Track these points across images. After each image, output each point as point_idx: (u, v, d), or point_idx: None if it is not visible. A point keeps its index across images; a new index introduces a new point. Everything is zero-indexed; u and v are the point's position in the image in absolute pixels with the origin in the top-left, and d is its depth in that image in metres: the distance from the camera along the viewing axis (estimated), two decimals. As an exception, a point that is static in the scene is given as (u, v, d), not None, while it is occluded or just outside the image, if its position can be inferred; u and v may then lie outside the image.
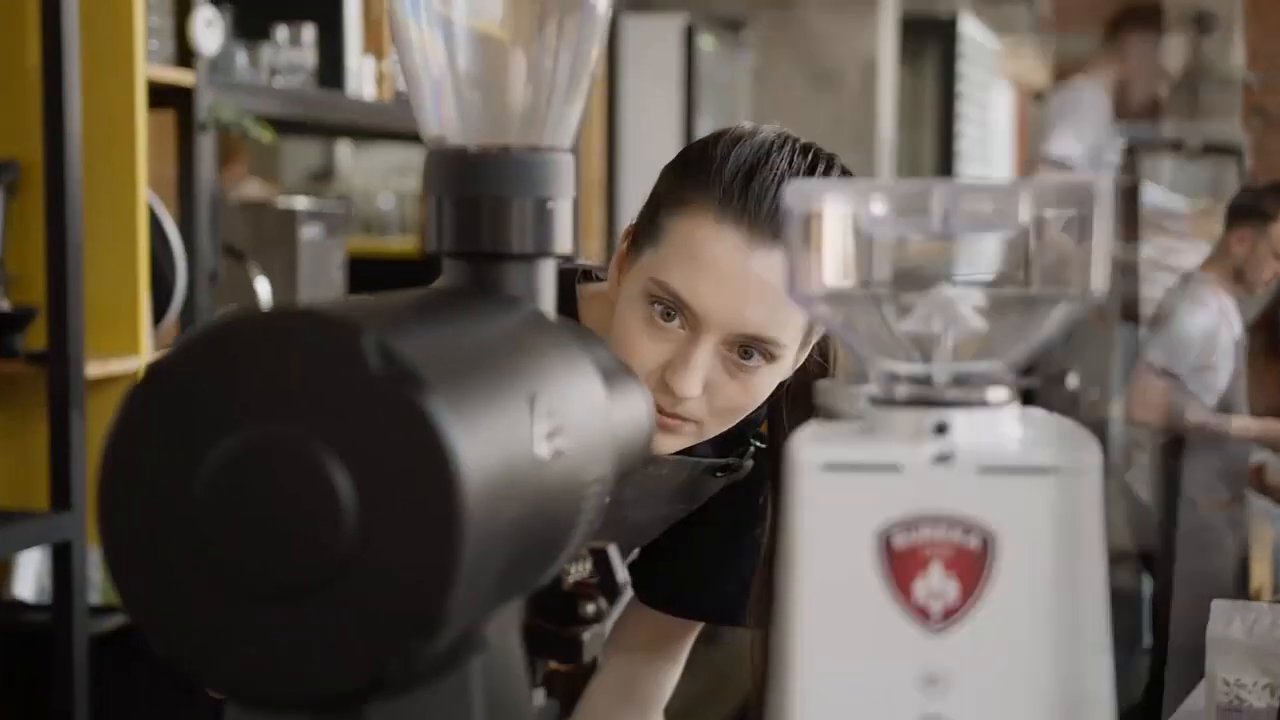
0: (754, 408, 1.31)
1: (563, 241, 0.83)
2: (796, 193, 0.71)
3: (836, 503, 0.69)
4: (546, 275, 0.83)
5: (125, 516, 0.63)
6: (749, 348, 1.26)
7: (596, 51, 0.85)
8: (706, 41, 5.01)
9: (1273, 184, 4.56)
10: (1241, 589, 4.01)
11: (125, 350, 2.50)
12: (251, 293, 2.90)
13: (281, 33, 3.03)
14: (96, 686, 2.40)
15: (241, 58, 2.95)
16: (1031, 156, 4.52)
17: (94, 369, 2.43)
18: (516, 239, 0.81)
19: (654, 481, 1.40)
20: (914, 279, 0.74)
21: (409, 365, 0.61)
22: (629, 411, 0.85)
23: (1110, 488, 5.08)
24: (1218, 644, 1.97)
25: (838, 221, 0.72)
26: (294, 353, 0.62)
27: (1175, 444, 4.29)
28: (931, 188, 0.70)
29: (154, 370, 0.64)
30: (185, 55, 2.66)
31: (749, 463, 1.43)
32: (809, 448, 0.69)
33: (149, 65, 2.56)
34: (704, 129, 6.31)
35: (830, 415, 0.77)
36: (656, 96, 4.76)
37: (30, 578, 2.58)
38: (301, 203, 3.19)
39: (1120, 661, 0.78)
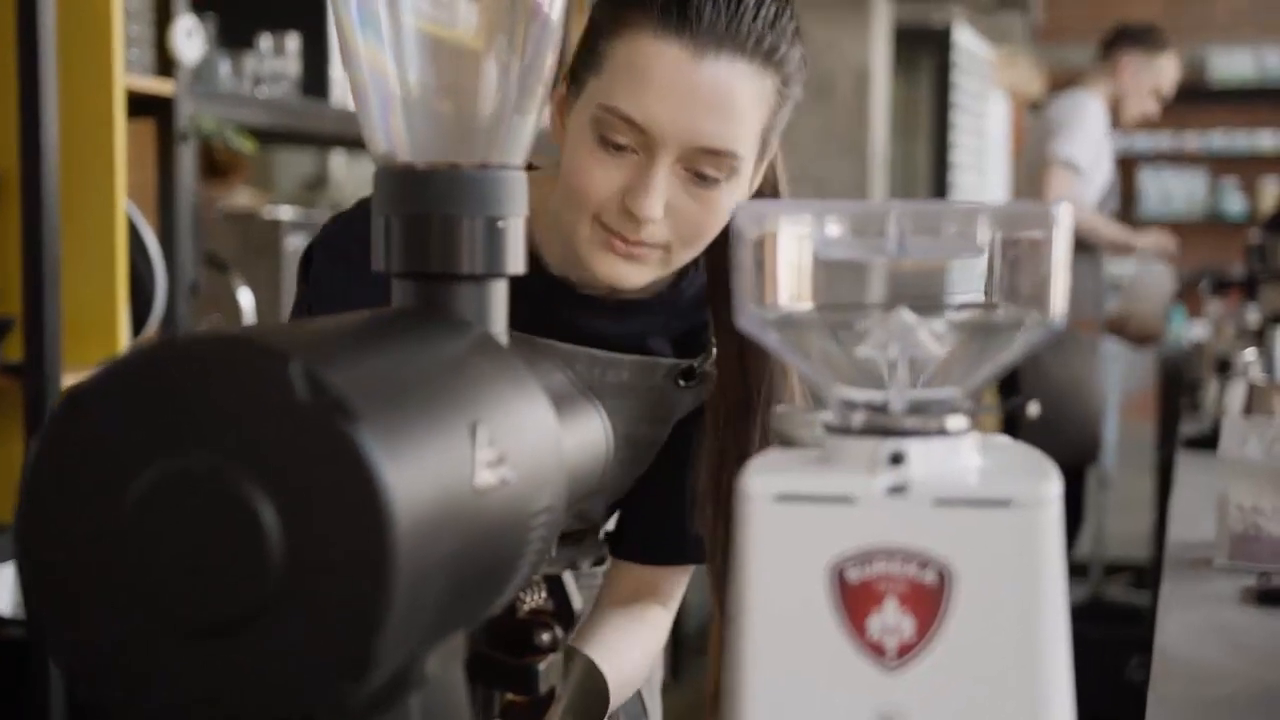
0: (718, 229, 1.27)
1: (515, 261, 0.81)
2: (747, 214, 0.69)
3: (788, 535, 0.67)
4: (498, 296, 0.80)
5: (45, 547, 0.61)
6: (704, 170, 1.23)
7: (551, 62, 0.83)
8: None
9: (1151, 25, 4.74)
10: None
11: (103, 361, 2.48)
12: (234, 304, 2.88)
13: (265, 42, 3.01)
14: (72, 700, 2.38)
15: (225, 66, 2.93)
16: (1030, 158, 4.52)
17: (71, 381, 2.40)
18: (466, 259, 0.79)
19: (617, 392, 1.37)
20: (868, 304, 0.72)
21: (338, 394, 0.58)
22: (582, 436, 0.83)
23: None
24: (1232, 465, 1.87)
25: (791, 243, 0.69)
26: (220, 380, 0.59)
27: None
28: (888, 210, 0.68)
29: (76, 396, 0.61)
30: (166, 65, 2.63)
31: (712, 371, 1.39)
32: (760, 478, 0.67)
33: (129, 75, 2.53)
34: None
35: (786, 442, 0.75)
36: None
37: (7, 591, 2.55)
38: (287, 213, 3.16)
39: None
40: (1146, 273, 4.60)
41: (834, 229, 0.69)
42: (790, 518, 0.67)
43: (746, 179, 1.27)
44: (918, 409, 0.69)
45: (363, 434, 0.58)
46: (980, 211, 0.68)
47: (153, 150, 2.64)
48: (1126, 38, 4.53)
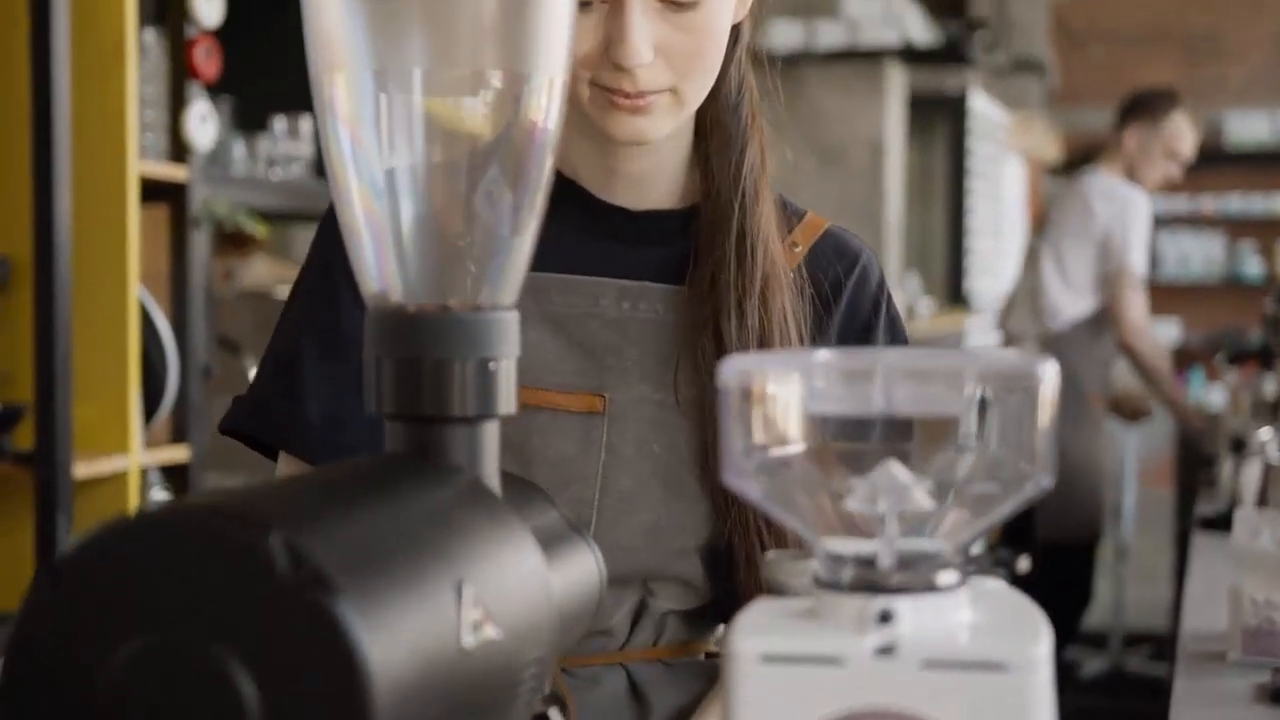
0: (718, 52, 1.19)
1: (507, 402, 0.80)
2: (731, 372, 0.68)
3: (776, 696, 0.66)
4: (489, 438, 0.80)
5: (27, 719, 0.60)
6: None
7: (540, 201, 0.83)
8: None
9: (1162, 89, 4.72)
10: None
11: (115, 449, 2.48)
12: (246, 385, 2.88)
13: (279, 124, 3.03)
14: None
15: (239, 148, 2.95)
16: (1102, 269, 4.46)
17: (82, 469, 2.40)
18: (458, 402, 0.78)
19: (652, 332, 1.24)
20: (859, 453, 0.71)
21: (319, 568, 0.58)
22: (573, 577, 0.82)
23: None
24: (1244, 557, 1.83)
25: (776, 397, 0.69)
26: (199, 553, 0.59)
27: (1072, 336, 4.42)
28: (875, 364, 0.68)
29: (56, 568, 0.61)
30: (180, 150, 2.65)
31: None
32: (748, 638, 0.67)
33: (143, 161, 2.55)
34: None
35: (777, 589, 0.74)
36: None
37: None
38: (300, 292, 3.17)
39: None
40: None
41: (821, 382, 0.69)
42: (778, 678, 0.66)
43: None
44: (907, 563, 0.69)
45: (344, 608, 0.58)
46: (968, 366, 0.67)
47: (166, 235, 2.66)
48: (1129, 109, 4.55)
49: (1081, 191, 4.56)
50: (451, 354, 0.78)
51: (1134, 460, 6.04)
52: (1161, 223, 10.16)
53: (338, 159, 0.80)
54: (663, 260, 1.27)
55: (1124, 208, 4.43)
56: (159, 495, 2.76)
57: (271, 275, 4.04)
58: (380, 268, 0.81)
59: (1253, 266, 10.04)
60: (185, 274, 2.63)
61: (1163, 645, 5.34)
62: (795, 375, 0.69)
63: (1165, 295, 10.26)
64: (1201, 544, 2.85)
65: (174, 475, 2.72)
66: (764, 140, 1.29)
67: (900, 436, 0.70)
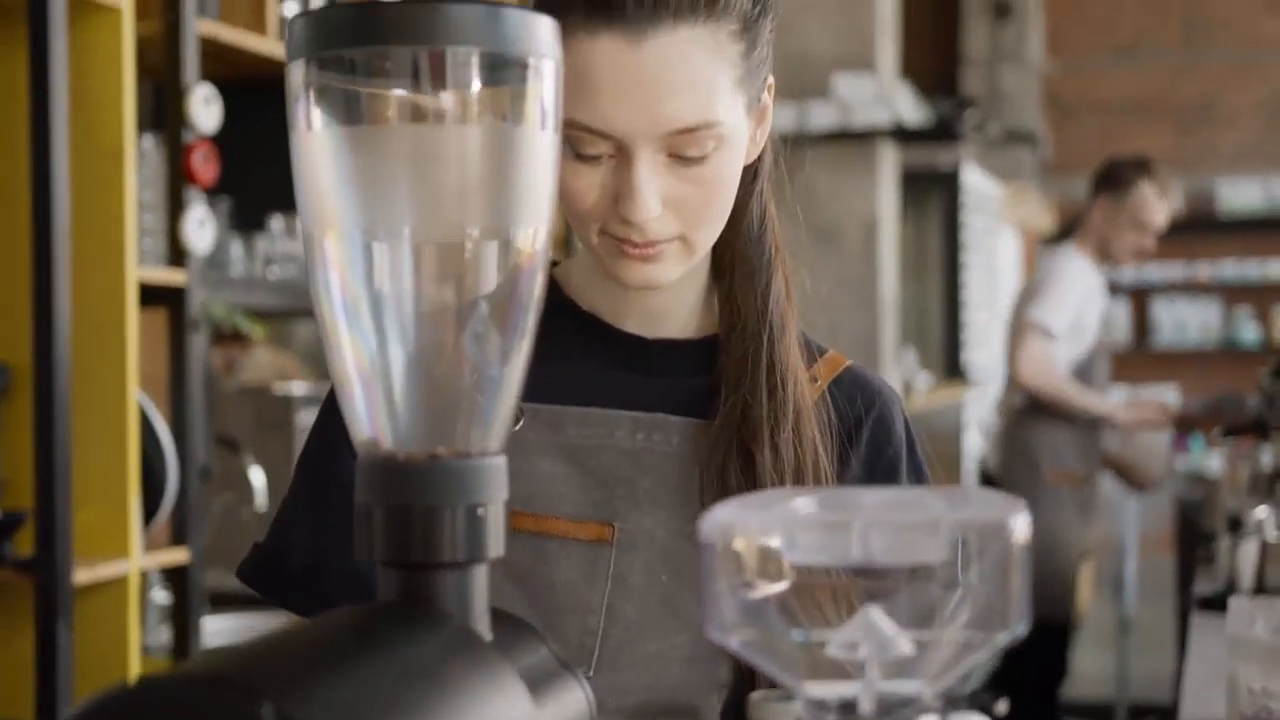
0: (727, 200, 1.19)
1: (495, 545, 0.82)
2: (713, 524, 0.70)
3: (760, 845, 0.68)
4: (479, 581, 0.82)
5: None
6: (686, 152, 1.15)
7: (526, 346, 0.85)
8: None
9: (1133, 157, 4.71)
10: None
11: (115, 554, 2.49)
12: (246, 483, 2.90)
13: (276, 223, 3.07)
14: None
15: (237, 248, 2.98)
16: (1015, 319, 4.56)
17: (83, 574, 2.41)
18: (447, 548, 0.80)
19: (667, 465, 1.23)
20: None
21: (310, 735, 0.60)
22: (564, 716, 0.84)
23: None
24: (1240, 646, 1.83)
25: (758, 548, 0.71)
26: (194, 722, 0.61)
27: (1030, 411, 4.41)
28: (852, 518, 0.70)
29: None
30: (178, 254, 2.68)
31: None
32: (731, 787, 0.68)
33: (142, 266, 2.58)
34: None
35: (763, 732, 0.76)
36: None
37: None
38: (300, 388, 3.20)
39: None
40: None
41: (800, 533, 0.71)
42: (762, 828, 0.68)
43: (740, 137, 1.19)
44: (888, 708, 0.70)
45: (334, 775, 0.59)
46: (943, 518, 0.69)
47: (165, 338, 2.68)
48: (1097, 180, 4.59)
49: (1044, 265, 4.62)
50: (441, 501, 0.80)
51: (1135, 531, 6.04)
52: (1157, 290, 10.20)
53: (328, 311, 0.83)
54: (680, 391, 1.27)
55: (1052, 266, 4.47)
56: (159, 598, 2.77)
57: (273, 367, 4.07)
58: (370, 416, 0.83)
59: (1249, 332, 10.07)
60: (184, 377, 2.65)
61: (1169, 716, 5.32)
62: (776, 527, 0.71)
63: (1162, 362, 10.29)
64: (1200, 625, 2.86)
65: (174, 576, 2.73)
66: (787, 270, 1.29)
67: (880, 583, 0.72)
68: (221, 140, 2.79)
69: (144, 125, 2.77)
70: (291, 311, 3.26)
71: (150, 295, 2.63)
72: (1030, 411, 4.45)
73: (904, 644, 0.70)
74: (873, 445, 1.30)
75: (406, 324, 0.82)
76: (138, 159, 2.60)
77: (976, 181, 7.74)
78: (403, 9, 0.79)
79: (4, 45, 2.47)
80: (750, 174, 1.26)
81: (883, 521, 0.70)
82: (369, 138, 0.81)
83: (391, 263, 0.81)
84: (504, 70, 0.80)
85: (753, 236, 1.28)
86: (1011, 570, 0.69)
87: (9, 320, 2.46)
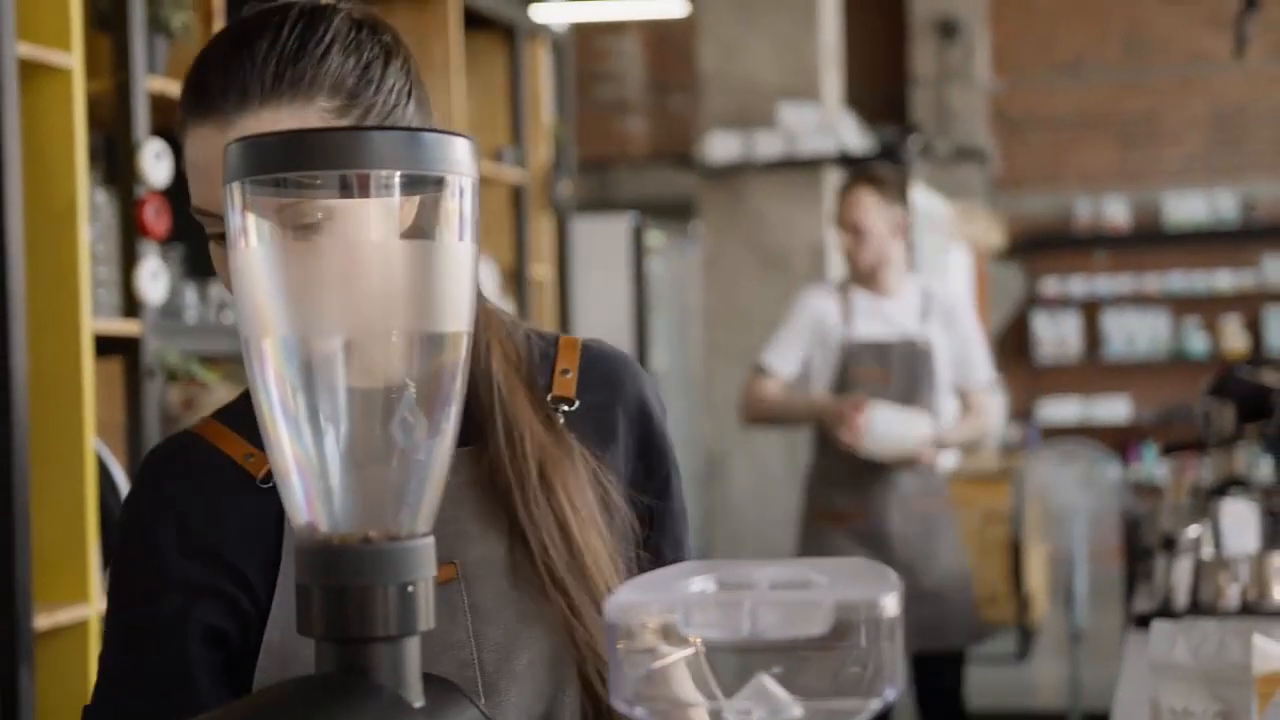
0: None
1: (425, 619, 0.90)
2: (617, 607, 0.78)
3: None
4: (411, 653, 0.89)
5: None
6: (300, 220, 1.11)
7: (450, 436, 0.92)
8: (655, 237, 5.14)
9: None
10: None
11: (74, 598, 2.55)
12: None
13: (229, 269, 3.13)
14: None
15: (191, 295, 3.04)
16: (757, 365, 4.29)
17: (43, 620, 2.47)
18: (381, 623, 0.88)
19: (470, 509, 1.27)
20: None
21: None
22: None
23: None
24: (1162, 669, 1.89)
25: (657, 626, 0.78)
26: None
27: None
28: (742, 598, 0.77)
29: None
30: (132, 304, 2.74)
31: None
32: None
33: (96, 317, 2.64)
34: (655, 321, 6.44)
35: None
36: (608, 292, 4.85)
37: None
38: (254, 427, 3.24)
39: None
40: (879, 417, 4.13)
41: (697, 613, 0.78)
42: None
43: (369, 208, 1.14)
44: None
45: None
46: (821, 600, 0.77)
47: (120, 388, 2.74)
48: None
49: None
50: (374, 581, 0.88)
51: (1084, 542, 6.14)
52: (1107, 302, 10.35)
53: (266, 407, 0.90)
54: None
55: (795, 305, 4.26)
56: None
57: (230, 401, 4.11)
58: (308, 502, 0.90)
59: (1198, 343, 10.23)
60: (140, 424, 2.71)
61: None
62: (675, 608, 0.78)
63: (1113, 373, 10.44)
64: (1134, 642, 2.93)
65: (134, 618, 2.79)
66: (500, 324, 1.31)
67: (771, 654, 0.80)
68: (172, 190, 2.85)
69: (96, 180, 2.83)
70: (245, 355, 3.32)
71: (105, 345, 2.69)
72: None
73: (794, 709, 0.78)
74: (638, 418, 1.35)
75: (339, 418, 0.89)
76: (90, 213, 2.66)
77: (925, 201, 7.85)
78: (331, 135, 0.87)
79: (-43, 105, 2.53)
80: None
81: (770, 600, 0.78)
82: (300, 252, 0.89)
83: (324, 363, 0.88)
84: (424, 188, 0.88)
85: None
86: (883, 641, 0.77)
87: (-33, 373, 2.52)
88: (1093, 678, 5.67)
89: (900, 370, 4.14)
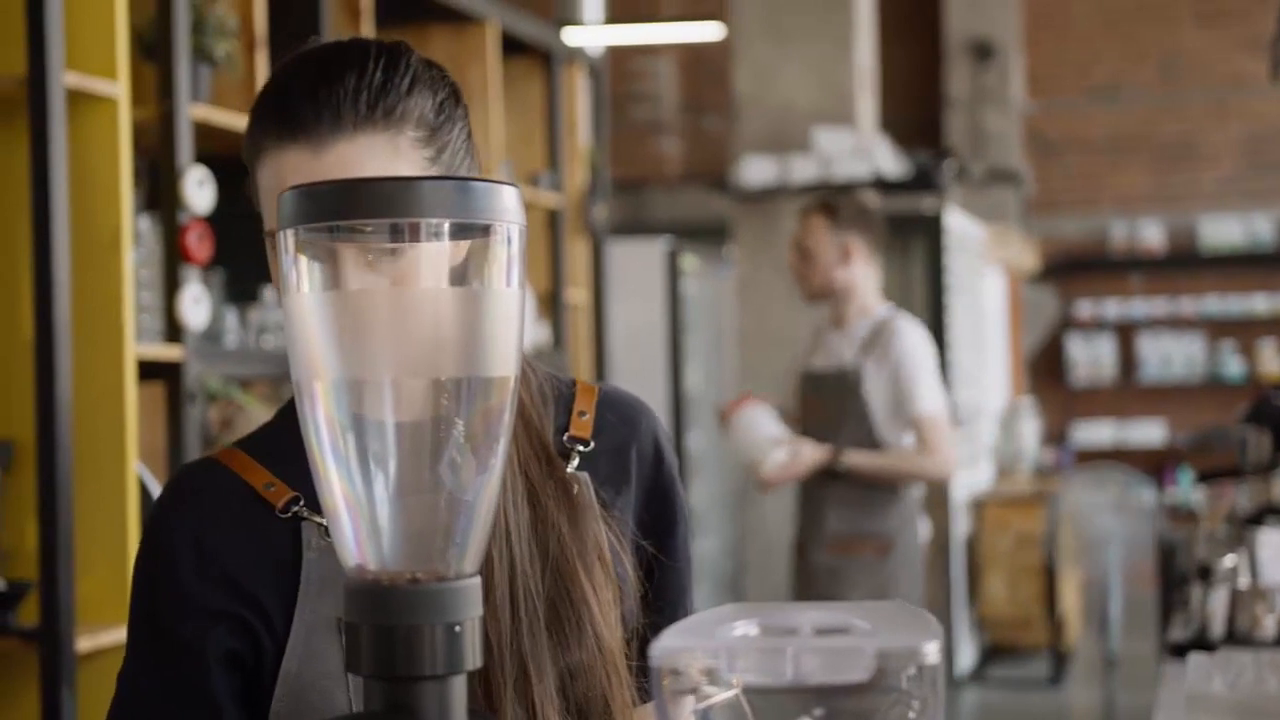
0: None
1: (472, 658, 0.91)
2: (662, 651, 0.79)
3: None
4: (458, 692, 0.91)
5: None
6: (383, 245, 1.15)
7: (497, 476, 0.94)
8: (690, 260, 5.15)
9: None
10: None
11: (117, 622, 2.58)
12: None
13: (269, 294, 3.16)
14: None
15: (232, 319, 3.07)
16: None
17: (85, 643, 2.50)
18: (428, 663, 0.89)
19: None
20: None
21: None
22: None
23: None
24: (1197, 701, 1.90)
25: (702, 671, 0.80)
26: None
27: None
28: (785, 645, 0.79)
29: None
30: (174, 329, 2.77)
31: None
32: None
33: (140, 343, 2.67)
34: (690, 344, 6.45)
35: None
36: (642, 315, 4.86)
37: None
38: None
39: None
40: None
41: (741, 660, 0.80)
42: None
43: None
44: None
45: None
46: (864, 646, 0.78)
47: (163, 412, 2.77)
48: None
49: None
50: (421, 620, 0.89)
51: (1119, 568, 6.12)
52: (1142, 325, 10.31)
53: (317, 449, 0.92)
54: None
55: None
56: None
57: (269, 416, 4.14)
58: (357, 544, 0.92)
59: (1234, 366, 10.18)
60: (181, 448, 2.74)
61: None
62: (718, 653, 0.80)
63: (1148, 397, 10.39)
64: (1170, 673, 2.92)
65: (173, 641, 2.82)
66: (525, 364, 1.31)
67: (814, 697, 0.81)
68: (215, 215, 2.89)
69: (140, 207, 2.86)
70: (286, 378, 3.35)
71: (148, 370, 2.72)
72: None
73: (834, 751, 0.79)
74: (651, 464, 1.37)
75: (388, 460, 0.91)
76: (135, 240, 2.69)
77: (959, 224, 7.84)
78: (383, 185, 0.89)
79: (6, 134, 2.57)
80: None
81: (813, 647, 0.79)
82: (351, 299, 0.91)
83: (374, 407, 0.90)
84: (473, 236, 0.90)
85: None
86: (925, 687, 0.78)
87: (13, 397, 2.55)
88: (1127, 704, 5.65)
89: (830, 400, 4.12)
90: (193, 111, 2.84)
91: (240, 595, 1.26)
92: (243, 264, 3.10)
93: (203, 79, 2.90)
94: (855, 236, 4.09)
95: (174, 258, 2.76)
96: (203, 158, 2.87)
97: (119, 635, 2.58)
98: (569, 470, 1.31)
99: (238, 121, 2.99)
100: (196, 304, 2.76)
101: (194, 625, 1.26)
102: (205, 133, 2.87)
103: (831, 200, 4.22)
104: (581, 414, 1.35)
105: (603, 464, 1.34)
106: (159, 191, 2.84)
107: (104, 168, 2.58)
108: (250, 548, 1.28)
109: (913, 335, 4.14)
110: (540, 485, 1.29)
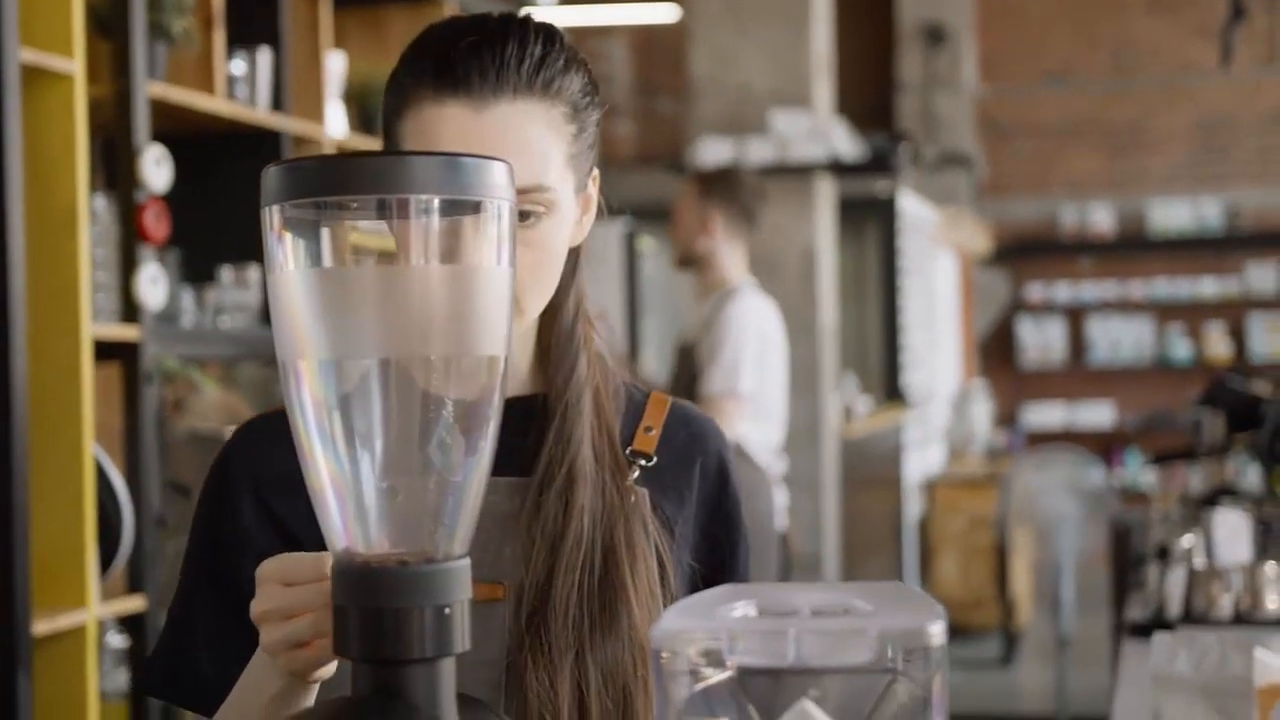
0: (558, 265, 1.26)
1: (461, 640, 0.90)
2: (662, 633, 0.78)
3: None
4: (446, 674, 0.89)
5: None
6: (519, 208, 1.17)
7: (487, 458, 0.93)
8: (646, 243, 5.13)
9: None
10: None
11: (73, 604, 2.55)
12: (199, 530, 2.93)
13: (227, 274, 3.12)
14: None
15: (188, 300, 3.04)
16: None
17: (41, 625, 2.46)
18: (417, 646, 0.88)
19: (503, 526, 1.27)
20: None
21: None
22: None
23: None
24: (1163, 680, 1.90)
25: (702, 652, 0.79)
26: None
27: None
28: (787, 627, 0.78)
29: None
30: (131, 309, 2.73)
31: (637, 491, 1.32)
32: None
33: (96, 323, 2.63)
34: (648, 328, 6.45)
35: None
36: (599, 297, 4.81)
37: None
38: (249, 432, 3.24)
39: None
40: None
41: (741, 641, 0.79)
42: None
43: (569, 210, 1.27)
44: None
45: None
46: (867, 628, 0.77)
47: (119, 392, 2.74)
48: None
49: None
50: (410, 603, 0.88)
51: (1071, 549, 6.15)
52: (1091, 308, 10.38)
53: (303, 430, 0.90)
54: (509, 452, 1.28)
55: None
56: (115, 641, 2.82)
57: (222, 406, 4.10)
58: (345, 526, 0.90)
59: (1181, 349, 10.26)
60: (138, 428, 2.71)
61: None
62: (719, 635, 0.79)
63: (1097, 379, 10.46)
64: (1130, 653, 2.94)
65: (130, 624, 2.78)
66: (593, 353, 1.34)
67: (813, 679, 0.80)
68: (172, 194, 2.85)
69: (96, 186, 2.82)
70: (242, 358, 3.32)
71: (104, 350, 2.69)
72: None
73: (834, 734, 0.78)
74: (714, 483, 1.37)
75: (375, 440, 0.90)
76: (90, 219, 2.65)
77: (913, 207, 7.86)
78: (370, 161, 0.87)
79: (-41, 111, 2.52)
80: (572, 262, 1.33)
81: (814, 628, 0.78)
82: (338, 276, 0.89)
83: (360, 386, 0.89)
84: (461, 213, 0.88)
85: (566, 328, 1.33)
86: (930, 669, 0.77)
87: (-33, 377, 2.51)
88: (1078, 684, 5.69)
89: (681, 373, 4.18)
90: (150, 89, 2.80)
91: (290, 541, 1.25)
92: (200, 243, 3.06)
93: (159, 56, 2.86)
94: (718, 209, 4.11)
95: (131, 237, 2.73)
96: (160, 136, 2.84)
97: (75, 618, 2.55)
98: (630, 481, 1.31)
99: (195, 99, 2.96)
100: (154, 284, 2.73)
101: (251, 562, 1.25)
102: (162, 110, 2.83)
103: (706, 173, 4.30)
104: (648, 429, 1.36)
105: (667, 477, 1.34)
106: (115, 170, 2.80)
107: (60, 146, 2.54)
108: (303, 502, 1.27)
109: (739, 309, 4.09)
110: (606, 484, 1.29)
